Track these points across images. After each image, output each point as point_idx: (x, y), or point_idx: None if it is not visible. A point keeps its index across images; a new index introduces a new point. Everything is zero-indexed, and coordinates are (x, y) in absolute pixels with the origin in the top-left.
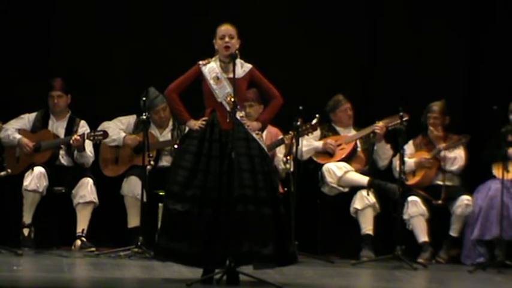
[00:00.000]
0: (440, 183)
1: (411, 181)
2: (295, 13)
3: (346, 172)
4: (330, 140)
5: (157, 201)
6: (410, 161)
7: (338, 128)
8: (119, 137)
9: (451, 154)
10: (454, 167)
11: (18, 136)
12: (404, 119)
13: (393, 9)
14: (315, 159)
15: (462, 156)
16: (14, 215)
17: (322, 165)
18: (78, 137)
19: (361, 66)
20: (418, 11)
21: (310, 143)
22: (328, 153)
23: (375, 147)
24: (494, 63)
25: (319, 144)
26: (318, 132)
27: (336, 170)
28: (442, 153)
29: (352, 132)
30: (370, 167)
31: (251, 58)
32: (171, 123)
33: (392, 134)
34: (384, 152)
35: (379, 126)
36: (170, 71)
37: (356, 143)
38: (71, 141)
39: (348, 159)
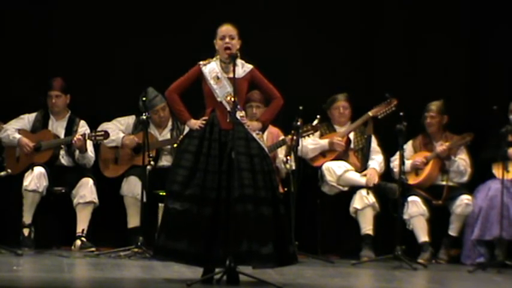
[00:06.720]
0: (443, 183)
1: (414, 181)
2: (296, 13)
3: (346, 171)
4: (337, 138)
5: (157, 201)
6: (406, 163)
7: (336, 126)
8: (118, 137)
9: (455, 167)
10: (462, 180)
11: (18, 136)
12: (392, 104)
13: (393, 10)
14: (309, 162)
15: (468, 170)
16: (14, 215)
17: (321, 165)
18: (80, 137)
19: (362, 66)
20: (418, 11)
21: (316, 141)
22: (321, 154)
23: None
24: (494, 63)
25: (325, 142)
26: (317, 132)
27: (336, 169)
28: (444, 151)
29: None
30: (364, 165)
31: (251, 58)
32: (170, 123)
33: (392, 134)
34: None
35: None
36: (170, 71)
37: (349, 139)
38: (73, 142)
39: (341, 155)
